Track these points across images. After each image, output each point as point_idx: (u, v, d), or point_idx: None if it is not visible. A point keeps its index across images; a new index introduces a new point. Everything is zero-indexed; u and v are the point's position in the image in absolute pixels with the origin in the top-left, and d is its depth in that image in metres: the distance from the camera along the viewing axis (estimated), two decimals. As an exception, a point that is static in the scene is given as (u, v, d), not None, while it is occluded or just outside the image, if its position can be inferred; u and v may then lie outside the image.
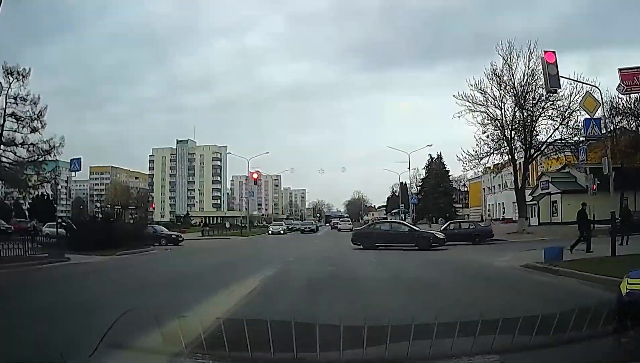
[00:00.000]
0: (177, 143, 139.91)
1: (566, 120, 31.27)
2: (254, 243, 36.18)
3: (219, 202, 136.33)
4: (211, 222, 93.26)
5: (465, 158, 33.41)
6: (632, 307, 4.12)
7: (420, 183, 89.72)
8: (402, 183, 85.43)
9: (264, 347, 3.47)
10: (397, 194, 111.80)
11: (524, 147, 32.48)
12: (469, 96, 32.83)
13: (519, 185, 33.72)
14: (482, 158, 33.51)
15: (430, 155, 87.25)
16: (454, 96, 33.21)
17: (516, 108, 32.35)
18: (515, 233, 31.40)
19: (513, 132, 32.71)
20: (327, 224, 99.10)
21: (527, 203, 49.42)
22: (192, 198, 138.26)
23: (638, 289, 4.23)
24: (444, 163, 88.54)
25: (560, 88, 15.19)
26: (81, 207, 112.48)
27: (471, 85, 32.72)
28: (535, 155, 32.76)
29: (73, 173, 24.08)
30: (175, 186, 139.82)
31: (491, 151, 33.22)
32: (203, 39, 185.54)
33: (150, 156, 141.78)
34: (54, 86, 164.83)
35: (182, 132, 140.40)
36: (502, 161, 35.06)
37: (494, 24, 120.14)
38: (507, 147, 32.80)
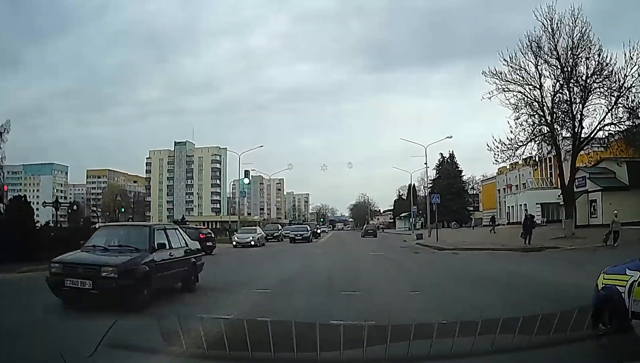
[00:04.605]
0: (174, 144, 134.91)
1: (622, 97, 25.54)
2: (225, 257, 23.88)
3: (218, 206, 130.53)
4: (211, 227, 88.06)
5: (497, 147, 27.69)
6: (607, 300, 4.48)
7: (431, 184, 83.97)
8: (412, 184, 79.88)
9: (264, 347, 3.48)
10: (403, 197, 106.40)
11: (571, 132, 26.63)
12: (500, 73, 27.36)
13: (566, 180, 27.75)
14: (517, 148, 27.80)
15: (441, 154, 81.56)
16: (483, 73, 27.78)
17: (559, 85, 26.67)
18: (563, 238, 25.56)
19: (554, 115, 27.03)
20: (330, 226, 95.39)
21: (561, 204, 43.80)
22: (190, 202, 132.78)
23: (612, 284, 4.49)
24: (457, 162, 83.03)
25: None
26: (70, 210, 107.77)
27: (504, 60, 27.15)
28: (585, 142, 26.85)
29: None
30: (173, 189, 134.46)
31: (529, 139, 27.50)
32: (206, 41, 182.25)
33: (147, 158, 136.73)
34: (54, 87, 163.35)
35: (183, 135, 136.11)
36: (540, 151, 29.17)
37: (502, 23, 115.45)
38: (550, 133, 27.02)
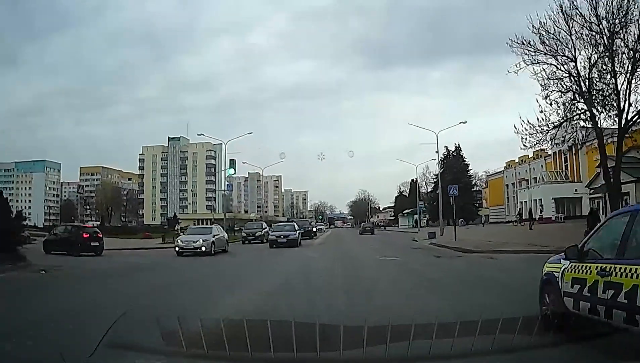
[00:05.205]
0: (168, 140, 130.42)
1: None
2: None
3: (213, 203, 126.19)
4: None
5: (525, 130, 23.53)
6: (548, 283, 5.46)
7: (435, 179, 79.74)
8: (415, 179, 75.73)
9: (264, 347, 3.40)
10: (405, 194, 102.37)
11: (616, 110, 22.28)
12: (528, 42, 23.19)
13: (610, 168, 23.46)
14: (548, 131, 23.67)
15: (446, 147, 77.01)
16: (508, 42, 23.60)
17: (600, 54, 22.39)
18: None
19: (592, 91, 22.82)
20: (328, 224, 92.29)
21: (589, 197, 39.71)
22: (184, 199, 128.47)
23: (551, 271, 5.47)
24: (463, 155, 78.60)
25: None
26: (60, 207, 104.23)
27: (534, 27, 22.93)
28: (632, 121, 22.50)
29: None
30: (167, 186, 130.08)
31: (564, 119, 23.35)
32: (205, 39, 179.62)
33: (140, 154, 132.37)
34: (53, 86, 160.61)
35: (182, 133, 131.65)
36: (575, 134, 24.86)
37: (502, 22, 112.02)
38: (588, 111, 22.75)
